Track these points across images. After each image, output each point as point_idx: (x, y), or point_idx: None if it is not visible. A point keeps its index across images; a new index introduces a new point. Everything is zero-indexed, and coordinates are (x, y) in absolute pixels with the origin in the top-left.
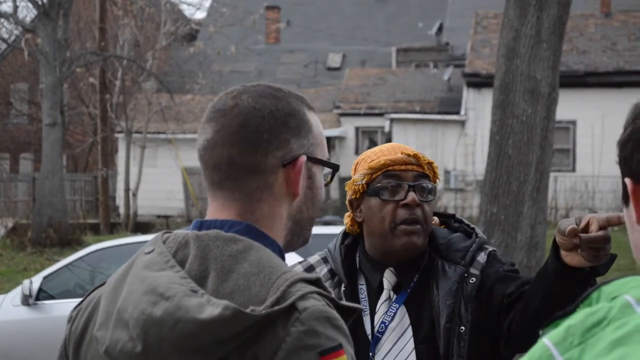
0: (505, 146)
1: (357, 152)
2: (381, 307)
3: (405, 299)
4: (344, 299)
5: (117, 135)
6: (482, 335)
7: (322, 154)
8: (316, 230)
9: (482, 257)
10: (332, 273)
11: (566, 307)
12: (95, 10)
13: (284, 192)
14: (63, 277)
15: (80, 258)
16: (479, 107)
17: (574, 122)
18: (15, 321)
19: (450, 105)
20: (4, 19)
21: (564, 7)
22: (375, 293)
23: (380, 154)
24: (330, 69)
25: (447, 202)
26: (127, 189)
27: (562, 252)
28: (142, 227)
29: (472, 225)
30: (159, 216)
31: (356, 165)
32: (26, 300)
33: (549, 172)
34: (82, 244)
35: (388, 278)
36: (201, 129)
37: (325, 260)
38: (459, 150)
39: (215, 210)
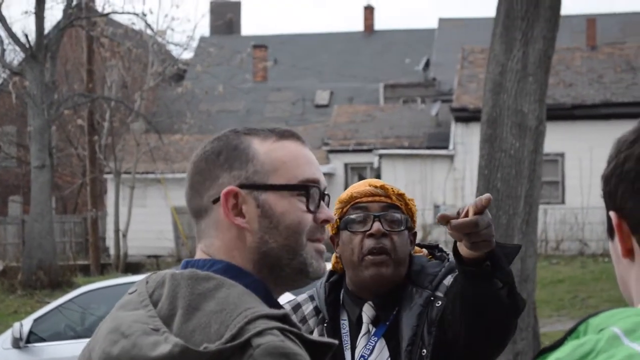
0: (494, 180)
1: (346, 189)
2: (361, 341)
3: (385, 331)
4: (325, 335)
5: (106, 176)
6: (446, 358)
7: (281, 178)
8: None
9: (448, 280)
10: (317, 310)
11: (479, 309)
12: (83, 52)
13: (227, 226)
14: (53, 319)
15: (70, 300)
16: (467, 141)
17: (562, 155)
18: None
19: (439, 140)
20: None
21: (549, 41)
22: (355, 327)
23: (351, 188)
24: (318, 106)
25: (437, 236)
26: (116, 230)
27: (458, 245)
28: (132, 267)
29: (448, 252)
30: (149, 256)
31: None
32: (17, 343)
33: (538, 204)
34: (72, 286)
35: (366, 312)
36: None
37: (312, 298)
38: (448, 185)
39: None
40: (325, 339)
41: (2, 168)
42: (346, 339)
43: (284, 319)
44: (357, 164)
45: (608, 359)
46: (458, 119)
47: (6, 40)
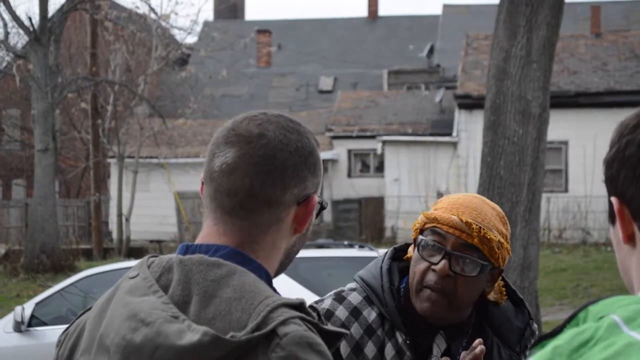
0: (497, 167)
1: (349, 175)
2: None
3: None
4: (407, 354)
5: (109, 160)
6: None
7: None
8: (309, 253)
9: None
10: (381, 318)
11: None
12: (87, 36)
13: (289, 227)
14: (55, 303)
15: (72, 284)
16: (470, 128)
17: (565, 143)
18: (8, 348)
19: (442, 126)
20: None
21: (553, 28)
22: (422, 354)
23: (447, 204)
24: (321, 92)
25: None
26: (119, 214)
27: None
28: (135, 252)
29: (520, 296)
30: (152, 241)
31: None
32: (18, 326)
33: (541, 192)
34: (75, 270)
35: (438, 343)
36: (216, 149)
37: (369, 301)
38: (452, 172)
39: (212, 234)
40: (338, 328)
41: (6, 151)
42: None
43: (301, 307)
44: (361, 150)
45: (607, 347)
46: (462, 106)
47: (10, 24)
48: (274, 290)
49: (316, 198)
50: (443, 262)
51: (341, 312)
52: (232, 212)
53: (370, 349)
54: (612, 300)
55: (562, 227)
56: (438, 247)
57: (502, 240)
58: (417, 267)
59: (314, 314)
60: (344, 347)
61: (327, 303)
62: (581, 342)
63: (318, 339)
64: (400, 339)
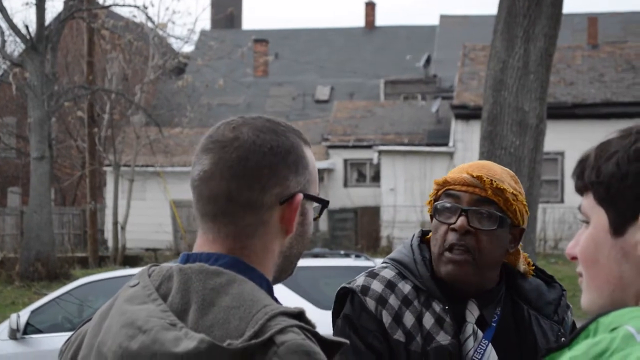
0: None
1: (345, 185)
2: (467, 342)
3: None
4: (447, 321)
5: (105, 168)
6: None
7: (315, 189)
8: (305, 262)
9: (569, 319)
10: (417, 290)
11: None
12: (84, 44)
13: (278, 229)
14: (51, 311)
15: (68, 292)
16: (467, 138)
17: (562, 153)
18: (3, 356)
19: (439, 137)
20: None
21: (550, 39)
22: (458, 322)
23: (456, 168)
24: (318, 101)
25: None
26: (115, 222)
27: None
28: (130, 260)
29: (549, 274)
30: (147, 249)
31: None
32: (14, 334)
33: (537, 203)
34: (70, 278)
35: (471, 310)
36: (196, 158)
37: (402, 275)
38: None
39: (204, 243)
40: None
41: (2, 159)
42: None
43: (300, 316)
44: (357, 160)
45: (624, 358)
46: (458, 116)
47: (7, 32)
48: (275, 299)
49: (300, 197)
50: (461, 219)
51: (377, 286)
52: (215, 219)
53: (408, 319)
54: (624, 312)
55: (558, 238)
56: (454, 207)
57: (516, 193)
58: (437, 233)
59: (313, 323)
60: (385, 317)
61: (361, 280)
62: (597, 352)
63: (316, 348)
64: (437, 308)
